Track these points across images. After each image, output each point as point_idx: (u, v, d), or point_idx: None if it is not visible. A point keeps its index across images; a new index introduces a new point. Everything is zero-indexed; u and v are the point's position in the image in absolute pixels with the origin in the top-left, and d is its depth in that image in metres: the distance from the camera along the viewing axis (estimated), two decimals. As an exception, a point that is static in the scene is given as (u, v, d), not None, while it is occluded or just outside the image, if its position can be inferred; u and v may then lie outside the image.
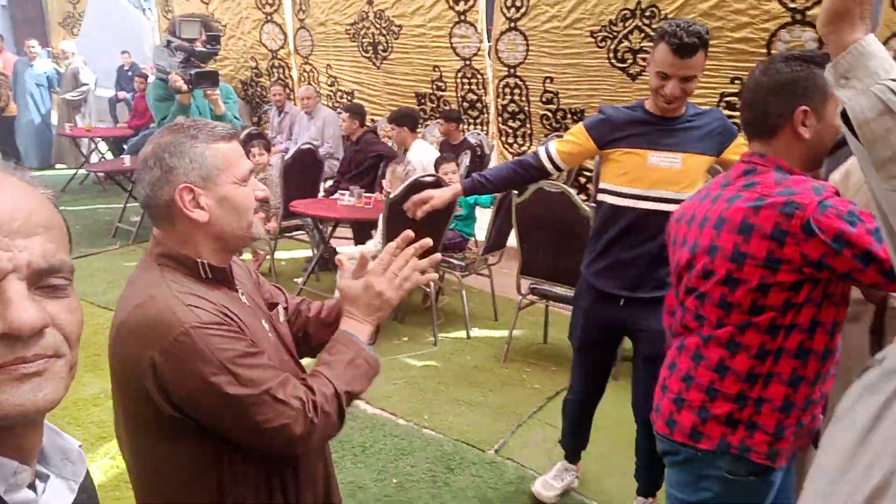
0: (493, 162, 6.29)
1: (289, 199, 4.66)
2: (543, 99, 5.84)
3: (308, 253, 5.45)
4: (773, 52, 4.52)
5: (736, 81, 4.73)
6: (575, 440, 2.70)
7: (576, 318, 2.48)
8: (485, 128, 6.39)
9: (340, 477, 2.73)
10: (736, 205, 1.37)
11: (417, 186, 3.70)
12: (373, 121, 6.43)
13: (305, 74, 7.51)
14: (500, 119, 6.21)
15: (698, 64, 2.04)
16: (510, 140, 6.23)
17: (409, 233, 1.28)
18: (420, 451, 2.99)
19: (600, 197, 2.32)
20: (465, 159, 5.24)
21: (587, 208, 3.39)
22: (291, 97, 7.40)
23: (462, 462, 2.91)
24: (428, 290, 4.29)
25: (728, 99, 4.81)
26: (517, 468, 2.88)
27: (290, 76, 7.66)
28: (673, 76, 2.03)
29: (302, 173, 4.90)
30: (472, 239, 4.71)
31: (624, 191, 2.22)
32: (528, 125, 6.07)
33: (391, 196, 3.62)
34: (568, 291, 3.71)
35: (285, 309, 1.36)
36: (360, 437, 3.09)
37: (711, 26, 4.61)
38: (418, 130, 5.65)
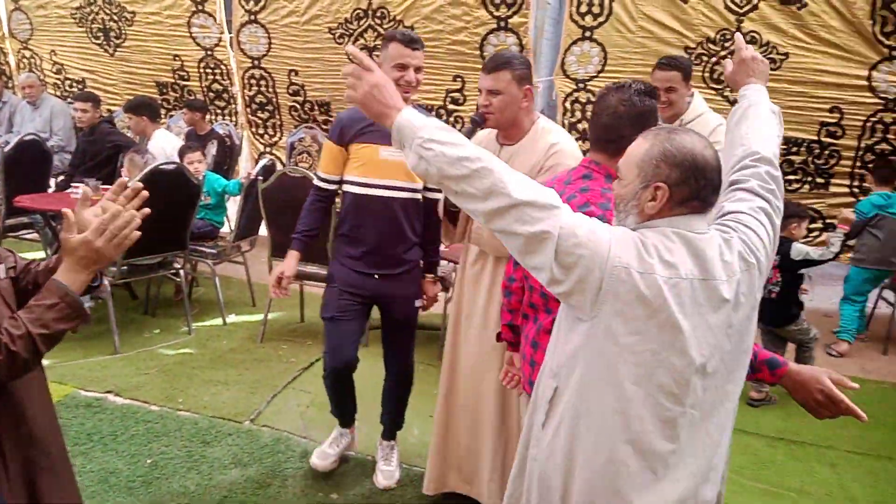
0: (245, 152, 6.35)
1: (13, 196, 4.31)
2: (290, 91, 6.03)
3: (41, 254, 5.04)
4: (485, 54, 5.22)
5: (457, 79, 5.37)
6: (344, 408, 2.82)
7: (330, 294, 2.62)
8: (234, 118, 6.40)
9: (90, 466, 2.77)
10: (571, 204, 1.61)
11: (157, 174, 3.71)
12: (109, 111, 6.09)
13: (25, 61, 6.82)
14: (248, 110, 6.27)
15: (422, 58, 2.40)
16: (260, 131, 6.33)
17: (138, 185, 1.39)
18: (175, 431, 3.07)
19: (344, 188, 2.57)
20: (213, 149, 5.25)
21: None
22: (11, 85, 6.68)
23: (218, 435, 3.06)
24: (178, 280, 4.29)
25: (452, 95, 5.43)
26: (272, 433, 3.10)
27: (8, 62, 6.89)
28: (409, 66, 2.34)
29: (27, 167, 4.52)
30: (224, 227, 4.77)
31: (363, 181, 2.50)
32: (277, 116, 6.22)
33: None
34: (319, 269, 3.99)
35: (12, 268, 1.46)
36: (109, 427, 3.07)
37: (434, 29, 5.20)
38: (162, 121, 5.50)
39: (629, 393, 1.30)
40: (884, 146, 4.81)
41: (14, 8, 6.63)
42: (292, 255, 2.61)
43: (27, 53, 6.78)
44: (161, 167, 3.76)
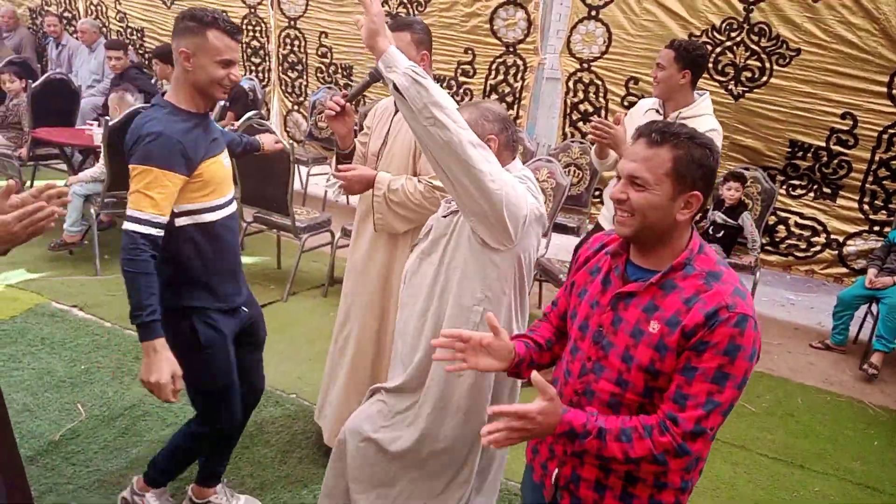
0: (275, 108, 6.69)
1: (38, 128, 4.78)
2: (319, 52, 6.28)
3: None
4: (495, 28, 5.25)
5: (468, 52, 5.42)
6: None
7: (219, 360, 2.07)
8: (266, 75, 6.72)
9: (34, 364, 3.13)
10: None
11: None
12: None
13: (93, 8, 7.41)
14: (280, 68, 6.58)
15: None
16: (289, 90, 6.63)
17: (61, 187, 1.54)
18: (115, 345, 3.41)
19: (185, 222, 1.94)
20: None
21: (286, 145, 3.90)
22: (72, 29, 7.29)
23: (151, 354, 3.37)
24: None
25: (463, 67, 5.50)
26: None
27: (77, 8, 7.51)
28: (236, 61, 1.95)
29: (52, 102, 5.00)
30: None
31: (217, 203, 2.01)
32: (304, 76, 6.50)
33: (110, 123, 3.91)
34: (284, 219, 4.22)
35: None
36: (62, 334, 3.45)
37: (449, 1, 5.27)
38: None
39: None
40: (900, 163, 4.48)
41: (87, -42, 7.21)
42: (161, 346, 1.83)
43: (94, 1, 7.36)
44: (140, 108, 4.07)
